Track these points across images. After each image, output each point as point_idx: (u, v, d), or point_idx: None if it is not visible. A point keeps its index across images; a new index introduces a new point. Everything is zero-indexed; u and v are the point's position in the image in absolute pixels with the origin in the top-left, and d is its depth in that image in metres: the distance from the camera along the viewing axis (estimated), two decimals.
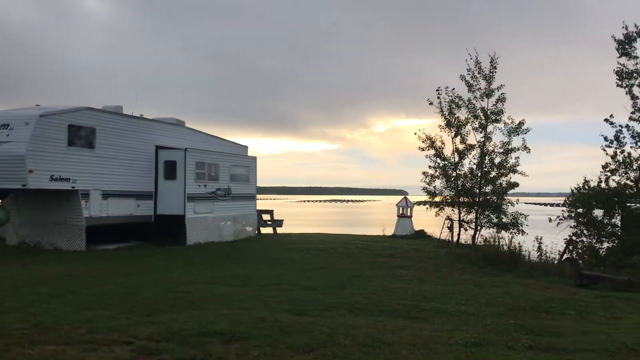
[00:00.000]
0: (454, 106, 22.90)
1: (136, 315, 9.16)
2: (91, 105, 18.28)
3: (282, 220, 28.93)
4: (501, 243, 17.93)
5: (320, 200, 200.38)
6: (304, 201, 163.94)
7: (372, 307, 10.39)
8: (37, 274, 13.00)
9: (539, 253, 17.41)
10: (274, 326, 8.72)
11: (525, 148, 22.24)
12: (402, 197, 30.71)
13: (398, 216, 29.67)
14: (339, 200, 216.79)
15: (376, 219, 72.63)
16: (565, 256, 17.35)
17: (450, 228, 22.79)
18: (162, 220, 20.70)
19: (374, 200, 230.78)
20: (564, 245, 18.48)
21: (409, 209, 29.48)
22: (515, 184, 22.25)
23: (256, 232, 25.33)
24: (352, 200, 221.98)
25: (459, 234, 22.92)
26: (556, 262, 17.18)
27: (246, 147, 25.90)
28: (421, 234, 28.89)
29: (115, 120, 19.04)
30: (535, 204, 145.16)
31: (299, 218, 60.04)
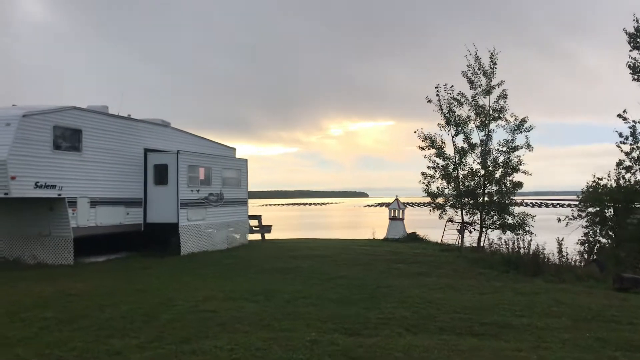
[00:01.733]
0: (455, 104, 22.03)
1: (169, 343, 7.90)
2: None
3: (271, 226, 27.62)
4: (520, 245, 17.07)
5: (283, 204, 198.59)
6: (266, 205, 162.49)
7: (426, 323, 9.36)
8: (30, 294, 11.43)
9: (559, 255, 16.61)
10: (335, 351, 7.63)
11: (529, 146, 21.56)
12: (394, 199, 29.72)
13: (390, 219, 28.73)
14: (301, 204, 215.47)
15: (351, 222, 72.05)
16: (591, 258, 16.58)
17: (461, 231, 21.89)
18: (153, 229, 19.15)
19: (336, 203, 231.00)
20: (580, 245, 17.77)
21: (401, 211, 28.53)
22: (519, 184, 21.51)
23: (248, 239, 23.92)
24: (314, 204, 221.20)
25: (462, 237, 22.03)
26: (580, 264, 16.41)
27: (234, 149, 24.49)
28: (414, 236, 28.03)
29: (103, 120, 17.44)
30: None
31: (273, 223, 58.58)
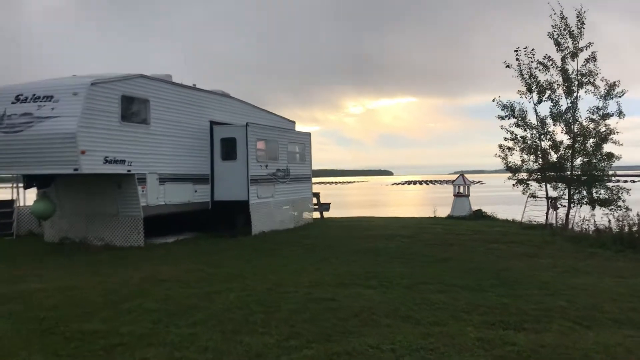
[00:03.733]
0: (541, 68, 20.18)
1: (311, 341, 6.60)
2: None
3: (329, 204, 26.21)
4: (622, 222, 15.38)
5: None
6: None
7: (594, 314, 7.92)
8: (119, 280, 10.19)
9: None
10: (519, 353, 6.25)
11: (620, 113, 19.66)
12: (458, 175, 28.04)
13: (455, 195, 27.07)
14: (327, 182, 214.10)
15: (392, 200, 70.40)
16: None
17: (554, 206, 20.19)
18: (221, 208, 17.86)
19: (362, 182, 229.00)
20: None
21: (467, 187, 26.87)
22: (611, 155, 19.66)
23: (312, 217, 22.57)
24: (340, 182, 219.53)
25: (556, 213, 20.29)
26: None
27: (294, 122, 23.02)
28: (480, 214, 26.38)
29: (169, 90, 16.07)
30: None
31: None
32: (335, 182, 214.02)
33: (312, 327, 7.14)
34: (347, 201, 61.23)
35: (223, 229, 17.83)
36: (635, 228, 15.08)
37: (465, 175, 27.86)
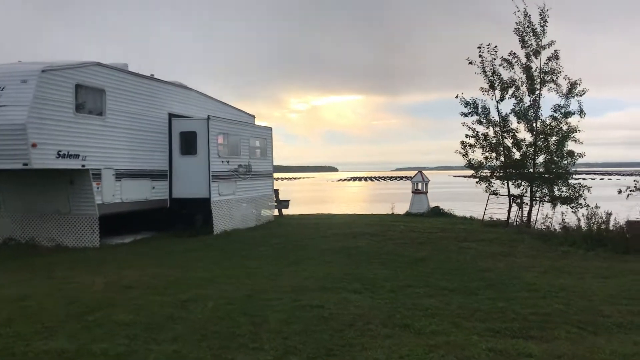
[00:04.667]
0: (505, 65, 20.07)
1: (311, 357, 6.02)
2: None
3: (289, 201, 25.52)
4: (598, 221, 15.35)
5: None
6: None
7: (595, 319, 7.60)
8: (79, 287, 9.23)
9: None
10: None
11: (581, 112, 19.77)
12: (417, 172, 27.88)
13: (413, 192, 26.86)
14: (274, 178, 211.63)
15: (344, 196, 70.16)
16: None
17: (520, 204, 20.11)
18: (179, 205, 16.92)
19: (308, 177, 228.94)
20: None
21: (425, 184, 26.72)
22: (573, 153, 19.74)
23: (273, 215, 21.84)
24: (286, 178, 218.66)
25: (522, 211, 20.24)
26: None
27: (254, 116, 22.22)
28: (437, 211, 26.29)
29: (126, 80, 15.01)
30: (459, 176, 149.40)
31: None
32: (282, 178, 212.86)
33: (308, 339, 6.50)
34: (298, 197, 60.52)
35: (181, 228, 16.94)
36: (603, 226, 15.07)
37: (424, 172, 27.75)
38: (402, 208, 27.61)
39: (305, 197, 59.83)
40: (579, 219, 15.71)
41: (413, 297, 8.70)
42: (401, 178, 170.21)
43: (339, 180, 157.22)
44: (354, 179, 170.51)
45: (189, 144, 16.74)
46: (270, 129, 21.29)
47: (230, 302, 8.15)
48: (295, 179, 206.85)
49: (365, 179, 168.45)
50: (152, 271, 10.72)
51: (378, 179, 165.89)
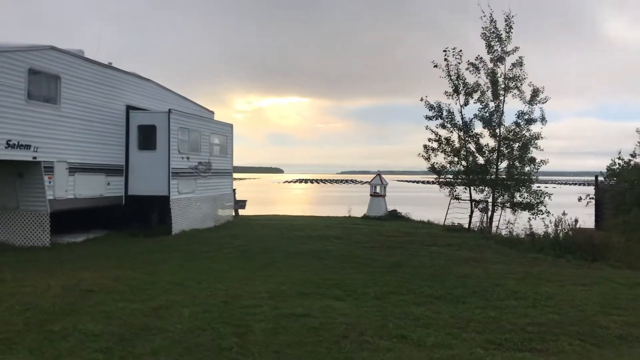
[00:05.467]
0: (472, 69, 20.00)
1: None
2: None
3: (246, 202, 24.76)
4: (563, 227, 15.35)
5: None
6: None
7: (593, 330, 7.33)
8: (35, 290, 8.31)
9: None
10: None
11: (543, 119, 19.93)
12: (375, 175, 27.60)
13: (371, 195, 26.63)
14: None
15: (295, 198, 69.44)
16: None
17: (485, 211, 19.99)
18: (134, 203, 15.95)
19: (254, 178, 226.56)
20: None
21: (383, 188, 26.49)
22: (534, 159, 19.83)
23: (232, 215, 21.04)
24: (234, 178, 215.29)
25: (487, 217, 20.13)
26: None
27: (213, 112, 21.35)
28: (395, 214, 26.15)
29: (82, 67, 13.98)
30: (408, 181, 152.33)
31: None
32: None
33: (303, 353, 5.93)
34: (246, 198, 59.46)
35: (137, 227, 15.99)
36: (571, 233, 15.07)
37: (382, 175, 27.51)
38: (355, 211, 27.43)
39: (253, 198, 58.75)
40: (546, 225, 15.65)
41: (401, 305, 8.24)
42: (347, 181, 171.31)
43: (285, 182, 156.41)
44: (300, 180, 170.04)
45: (147, 138, 15.81)
46: (231, 125, 20.51)
47: (207, 310, 7.46)
48: (241, 179, 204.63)
49: (312, 181, 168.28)
50: (113, 274, 9.85)
51: (324, 181, 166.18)
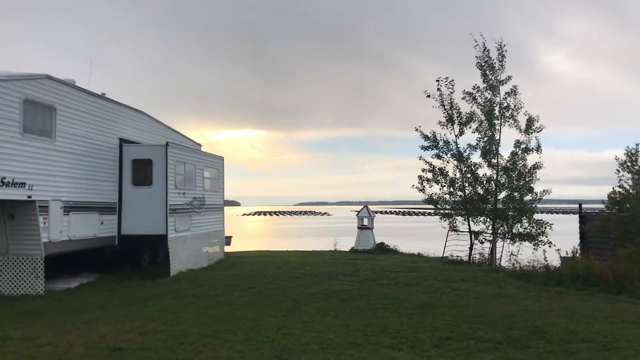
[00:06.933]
0: (468, 98, 19.71)
1: None
2: None
3: (231, 237, 23.63)
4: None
5: None
6: None
7: None
8: (50, 351, 7.19)
9: None
10: None
11: (539, 149, 19.71)
12: (362, 207, 26.97)
13: (359, 228, 25.93)
14: None
15: (259, 231, 68.02)
16: None
17: (494, 242, 19.41)
18: (127, 243, 14.80)
19: None
20: None
21: (370, 220, 25.85)
22: (532, 189, 19.53)
23: (224, 253, 19.94)
24: None
25: (494, 250, 19.55)
26: None
27: (200, 145, 20.40)
28: (383, 247, 25.50)
29: (77, 98, 12.95)
30: (358, 211, 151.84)
31: None
32: None
33: None
34: None
35: (129, 269, 14.83)
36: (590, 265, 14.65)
37: (369, 207, 26.90)
38: (327, 243, 27.03)
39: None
40: (562, 258, 15.22)
41: (466, 354, 7.50)
42: (305, 212, 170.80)
43: (243, 215, 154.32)
44: (258, 213, 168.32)
45: (142, 173, 14.77)
46: (222, 158, 19.58)
47: None
48: None
49: (270, 213, 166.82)
50: (132, 326, 8.78)
51: (283, 213, 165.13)
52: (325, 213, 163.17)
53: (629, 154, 23.27)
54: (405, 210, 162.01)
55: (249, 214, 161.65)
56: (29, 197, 11.12)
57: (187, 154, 16.14)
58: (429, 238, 39.45)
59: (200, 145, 20.36)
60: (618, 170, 22.66)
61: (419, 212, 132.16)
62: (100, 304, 10.69)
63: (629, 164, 23.28)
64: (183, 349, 7.38)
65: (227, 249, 23.27)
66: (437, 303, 11.38)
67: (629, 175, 22.51)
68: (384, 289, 13.18)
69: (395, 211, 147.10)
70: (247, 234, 57.29)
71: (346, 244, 26.70)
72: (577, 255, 16.32)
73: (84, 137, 13.12)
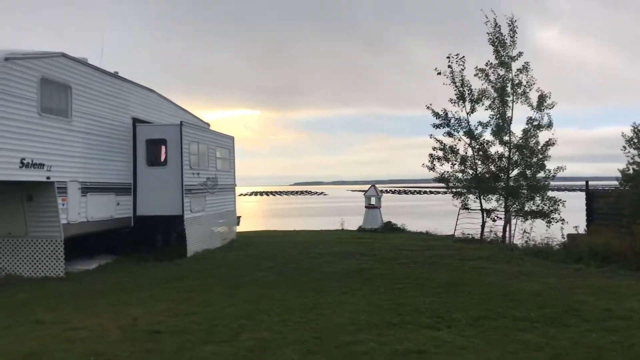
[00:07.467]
0: (481, 75, 19.49)
1: None
2: None
3: (240, 218, 23.52)
4: None
5: None
6: None
7: None
8: (86, 334, 7.07)
9: None
10: None
11: (550, 126, 19.55)
12: (369, 186, 26.84)
13: (366, 207, 25.80)
14: None
15: (262, 211, 67.92)
16: None
17: (509, 221, 19.33)
18: (142, 224, 14.65)
19: None
20: None
21: (378, 200, 25.73)
22: (544, 166, 19.41)
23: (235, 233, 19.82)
24: None
25: (510, 227, 19.46)
26: None
27: (209, 124, 20.16)
28: (390, 226, 25.40)
29: (91, 77, 12.70)
30: (356, 191, 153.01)
31: None
32: None
33: None
34: None
35: (145, 250, 14.73)
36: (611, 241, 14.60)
37: (377, 186, 26.79)
38: (333, 222, 26.97)
39: None
40: (568, 235, 15.19)
41: (506, 333, 7.38)
42: (301, 192, 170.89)
43: (240, 195, 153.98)
44: (255, 193, 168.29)
45: (157, 153, 14.58)
46: (233, 138, 19.36)
47: (310, 350, 6.44)
48: None
49: (267, 193, 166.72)
50: (160, 308, 8.67)
51: (279, 193, 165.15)
52: (322, 193, 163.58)
53: (636, 130, 23.15)
54: (401, 189, 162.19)
55: (245, 194, 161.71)
56: (48, 178, 10.93)
57: (200, 134, 15.93)
58: (434, 216, 39.57)
59: (208, 124, 20.12)
60: (624, 147, 22.53)
61: (416, 191, 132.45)
62: (123, 286, 10.58)
63: (635, 140, 23.17)
64: (219, 330, 7.27)
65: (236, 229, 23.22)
66: (462, 281, 11.31)
67: (636, 152, 22.43)
68: (405, 268, 13.11)
69: (392, 190, 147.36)
70: (248, 214, 57.24)
71: (349, 223, 26.65)
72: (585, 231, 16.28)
73: (98, 116, 12.89)
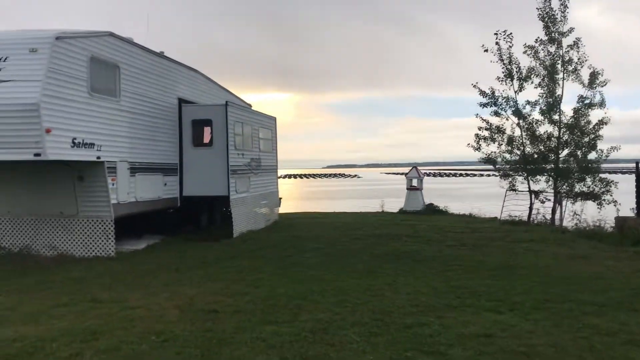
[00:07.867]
0: (530, 52, 18.91)
1: None
2: None
3: (281, 199, 23.46)
4: None
5: None
6: None
7: None
8: (145, 313, 7.03)
9: None
10: None
11: (602, 104, 18.86)
12: (411, 168, 26.45)
13: (408, 189, 25.43)
14: None
15: (297, 193, 68.06)
16: None
17: (560, 202, 18.86)
18: (188, 204, 14.68)
19: None
20: None
21: (420, 181, 25.34)
22: (594, 146, 18.78)
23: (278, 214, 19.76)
24: None
25: (562, 209, 18.96)
26: None
27: (250, 105, 20.03)
28: (433, 208, 25.01)
29: (139, 56, 12.66)
30: (390, 173, 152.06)
31: None
32: None
33: None
34: None
35: (190, 230, 14.79)
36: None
37: (419, 168, 26.40)
38: (374, 204, 26.62)
39: None
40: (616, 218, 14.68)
41: (574, 317, 7.07)
42: (335, 175, 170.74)
43: None
44: (288, 176, 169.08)
45: (201, 133, 14.54)
46: (275, 118, 19.22)
47: (371, 332, 6.26)
48: None
49: (300, 176, 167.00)
50: (214, 287, 8.61)
51: (313, 176, 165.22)
52: (355, 175, 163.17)
53: None
54: (437, 171, 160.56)
55: (279, 177, 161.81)
56: (98, 158, 10.95)
57: (244, 114, 15.83)
58: (474, 198, 38.93)
59: (250, 105, 20.00)
60: None
61: (452, 174, 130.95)
62: (174, 266, 10.57)
63: None
64: (277, 311, 7.15)
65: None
66: (517, 264, 10.98)
67: None
68: (454, 250, 12.82)
69: (428, 172, 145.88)
70: (286, 196, 57.44)
71: (388, 205, 26.35)
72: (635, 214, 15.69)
73: (146, 96, 12.86)
